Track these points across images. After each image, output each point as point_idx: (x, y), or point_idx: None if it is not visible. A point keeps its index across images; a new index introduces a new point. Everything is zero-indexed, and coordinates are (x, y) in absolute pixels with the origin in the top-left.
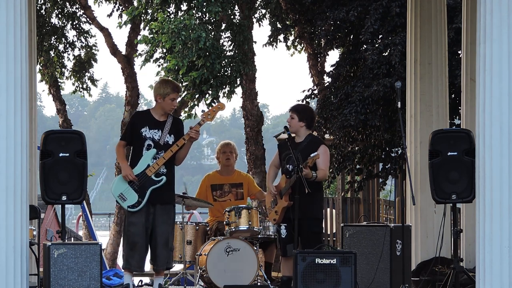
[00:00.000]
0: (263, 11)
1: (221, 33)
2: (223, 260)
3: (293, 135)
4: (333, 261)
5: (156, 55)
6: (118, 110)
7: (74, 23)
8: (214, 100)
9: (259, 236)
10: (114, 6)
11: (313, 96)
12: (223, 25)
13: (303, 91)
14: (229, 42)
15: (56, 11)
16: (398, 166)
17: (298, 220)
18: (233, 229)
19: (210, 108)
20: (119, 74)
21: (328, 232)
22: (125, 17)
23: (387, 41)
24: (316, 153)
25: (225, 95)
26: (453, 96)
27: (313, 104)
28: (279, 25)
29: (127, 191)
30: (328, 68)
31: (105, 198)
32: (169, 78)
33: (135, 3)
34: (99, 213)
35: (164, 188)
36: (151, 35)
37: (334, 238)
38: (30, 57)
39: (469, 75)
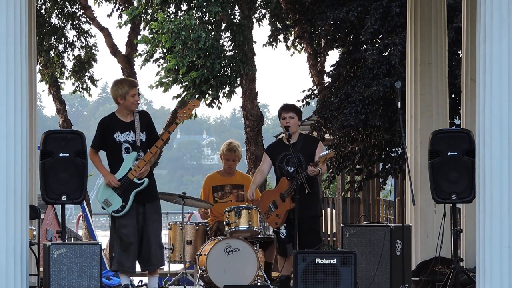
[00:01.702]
0: (263, 11)
1: (221, 33)
2: (223, 260)
3: (280, 135)
4: (333, 261)
5: (156, 55)
6: None
7: (74, 23)
8: (214, 100)
9: (259, 236)
10: (114, 6)
11: (313, 96)
12: (223, 25)
13: (303, 91)
14: (229, 42)
15: (56, 11)
16: (398, 166)
17: (299, 220)
18: (233, 229)
19: (185, 106)
20: (119, 74)
21: (328, 232)
22: (125, 17)
23: (387, 41)
24: (328, 151)
25: (225, 95)
26: (453, 96)
27: (313, 104)
28: (279, 25)
29: (111, 196)
30: (328, 68)
31: None
32: (169, 78)
33: (135, 3)
34: (99, 213)
35: (147, 187)
36: (151, 35)
37: (334, 238)
38: (30, 57)
39: (469, 75)
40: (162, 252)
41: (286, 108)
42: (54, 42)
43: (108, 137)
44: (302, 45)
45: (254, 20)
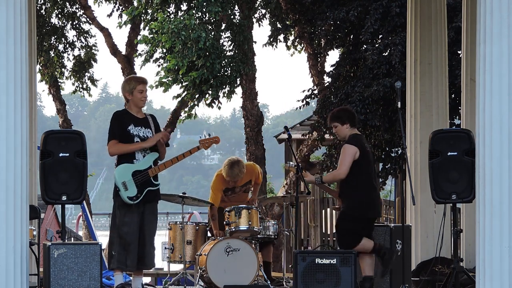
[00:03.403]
0: (263, 11)
1: (221, 33)
2: (223, 260)
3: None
4: (333, 261)
5: (156, 55)
6: None
7: (74, 23)
8: (214, 100)
9: (259, 236)
10: (114, 6)
11: (313, 96)
12: (223, 25)
13: (303, 91)
14: (229, 42)
15: (56, 11)
16: (398, 166)
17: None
18: (233, 229)
19: (207, 137)
20: (119, 74)
21: (328, 232)
22: (125, 17)
23: (387, 41)
24: (290, 163)
25: (225, 95)
26: (453, 96)
27: (313, 104)
28: (279, 25)
29: (130, 182)
30: (328, 68)
31: (105, 198)
32: (169, 78)
33: (135, 3)
34: (99, 213)
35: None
36: (151, 35)
37: (334, 238)
38: (30, 57)
39: (469, 75)
40: (154, 254)
41: (329, 121)
42: (54, 42)
43: (123, 129)
44: (302, 45)
45: (254, 20)
